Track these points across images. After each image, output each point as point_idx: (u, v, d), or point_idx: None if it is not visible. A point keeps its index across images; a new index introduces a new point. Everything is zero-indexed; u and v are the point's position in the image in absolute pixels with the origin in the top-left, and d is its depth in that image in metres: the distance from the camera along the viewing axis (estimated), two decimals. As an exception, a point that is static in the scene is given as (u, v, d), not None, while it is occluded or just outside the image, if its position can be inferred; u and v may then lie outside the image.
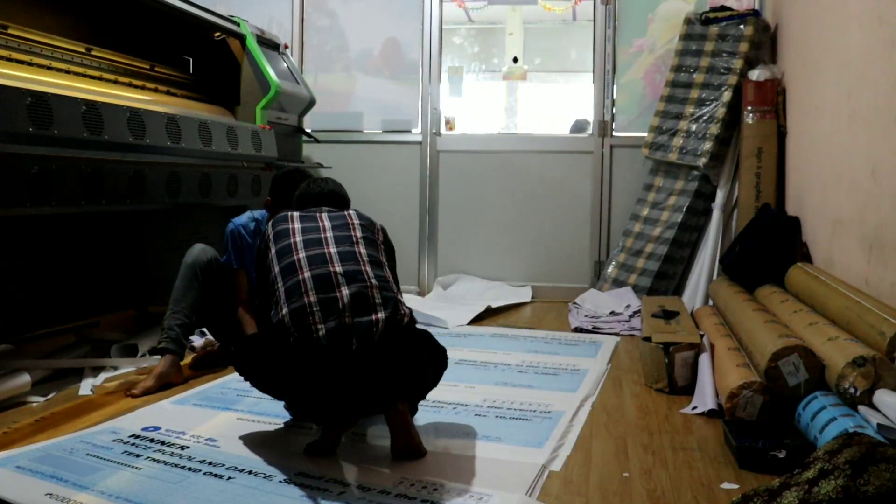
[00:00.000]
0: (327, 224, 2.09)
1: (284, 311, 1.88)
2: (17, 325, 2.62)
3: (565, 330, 3.73)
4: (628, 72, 4.74)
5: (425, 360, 2.01)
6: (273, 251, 2.03)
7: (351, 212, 2.18)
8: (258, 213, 2.95)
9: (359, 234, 2.07)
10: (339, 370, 1.84)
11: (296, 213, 2.14)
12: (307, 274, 1.93)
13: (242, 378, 2.06)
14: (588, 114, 4.84)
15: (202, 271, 2.76)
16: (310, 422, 2.13)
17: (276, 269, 1.99)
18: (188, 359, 2.86)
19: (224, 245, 2.87)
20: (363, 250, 2.03)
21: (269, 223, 2.14)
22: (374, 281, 1.95)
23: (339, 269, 1.94)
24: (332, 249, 2.00)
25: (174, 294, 2.74)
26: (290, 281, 1.93)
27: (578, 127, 5.14)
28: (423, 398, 2.10)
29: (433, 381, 2.07)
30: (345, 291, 1.90)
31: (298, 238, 2.02)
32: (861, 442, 1.41)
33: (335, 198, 2.30)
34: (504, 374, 2.84)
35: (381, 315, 1.88)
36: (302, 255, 1.97)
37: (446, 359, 2.08)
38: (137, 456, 1.90)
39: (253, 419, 2.23)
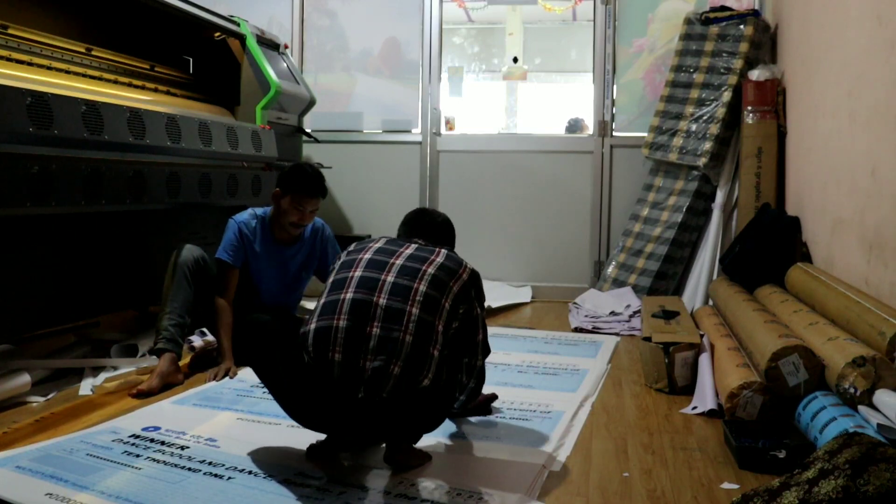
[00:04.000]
0: (407, 252, 1.93)
1: (312, 326, 1.82)
2: (17, 325, 2.62)
3: (565, 330, 3.73)
4: (628, 72, 4.74)
5: (430, 416, 1.89)
6: (337, 265, 1.95)
7: (443, 250, 1.97)
8: (260, 211, 2.97)
9: (431, 270, 1.87)
10: (341, 406, 1.78)
11: (385, 238, 2.01)
12: (349, 295, 1.83)
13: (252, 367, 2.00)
14: (588, 114, 4.84)
15: (190, 271, 2.78)
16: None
17: (329, 280, 1.92)
18: (186, 358, 2.86)
19: (223, 240, 2.89)
20: (422, 288, 1.84)
21: (356, 243, 2.02)
22: (411, 326, 1.78)
23: (382, 301, 1.81)
24: (390, 278, 1.85)
25: (165, 295, 2.76)
26: (331, 297, 1.85)
27: (574, 126, 5.15)
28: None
29: (434, 425, 1.95)
30: (376, 330, 1.78)
31: (368, 256, 1.92)
32: (861, 442, 1.41)
33: (438, 232, 2.14)
34: (504, 374, 2.84)
35: (397, 370, 1.74)
36: (358, 272, 1.88)
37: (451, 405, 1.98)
38: (137, 456, 1.90)
39: (253, 419, 2.23)
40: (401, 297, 1.82)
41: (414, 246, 1.96)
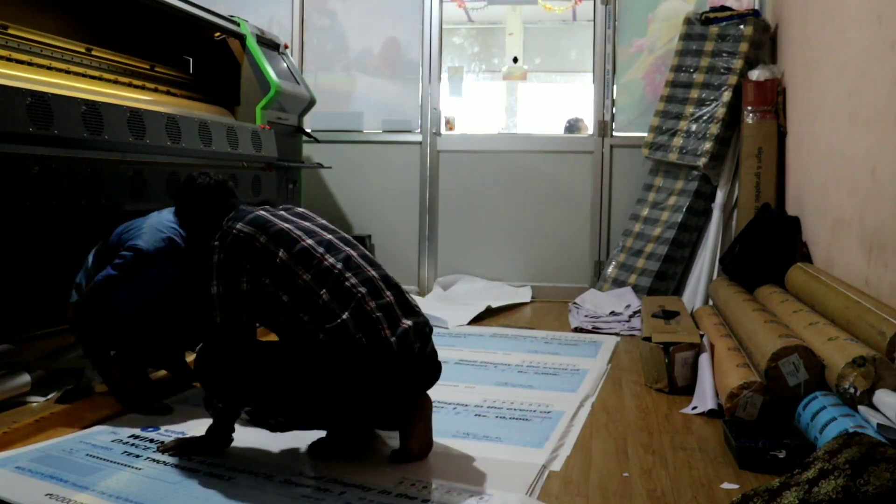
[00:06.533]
0: (308, 224, 1.93)
1: (345, 316, 1.77)
2: (17, 325, 2.61)
3: (565, 330, 3.73)
4: (628, 72, 4.74)
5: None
6: (281, 253, 1.82)
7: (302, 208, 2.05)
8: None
9: (342, 234, 1.99)
10: (406, 374, 1.83)
11: (261, 211, 1.92)
12: (353, 280, 1.83)
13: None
14: (588, 114, 4.84)
15: None
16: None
17: (307, 275, 1.80)
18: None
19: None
20: (366, 252, 1.97)
21: (244, 223, 1.86)
22: (401, 285, 1.95)
23: (373, 273, 1.88)
24: (353, 251, 1.91)
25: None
26: (334, 286, 1.80)
27: (572, 126, 5.16)
28: None
29: None
30: (390, 297, 1.86)
31: (310, 241, 1.86)
32: (861, 442, 1.41)
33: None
34: (504, 374, 2.84)
35: (421, 318, 1.90)
36: (331, 259, 1.85)
37: None
38: (137, 456, 1.91)
39: (253, 419, 2.22)
40: (376, 266, 1.93)
41: (285, 212, 1.98)
